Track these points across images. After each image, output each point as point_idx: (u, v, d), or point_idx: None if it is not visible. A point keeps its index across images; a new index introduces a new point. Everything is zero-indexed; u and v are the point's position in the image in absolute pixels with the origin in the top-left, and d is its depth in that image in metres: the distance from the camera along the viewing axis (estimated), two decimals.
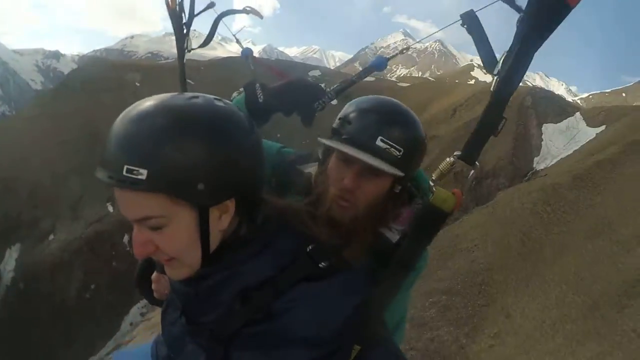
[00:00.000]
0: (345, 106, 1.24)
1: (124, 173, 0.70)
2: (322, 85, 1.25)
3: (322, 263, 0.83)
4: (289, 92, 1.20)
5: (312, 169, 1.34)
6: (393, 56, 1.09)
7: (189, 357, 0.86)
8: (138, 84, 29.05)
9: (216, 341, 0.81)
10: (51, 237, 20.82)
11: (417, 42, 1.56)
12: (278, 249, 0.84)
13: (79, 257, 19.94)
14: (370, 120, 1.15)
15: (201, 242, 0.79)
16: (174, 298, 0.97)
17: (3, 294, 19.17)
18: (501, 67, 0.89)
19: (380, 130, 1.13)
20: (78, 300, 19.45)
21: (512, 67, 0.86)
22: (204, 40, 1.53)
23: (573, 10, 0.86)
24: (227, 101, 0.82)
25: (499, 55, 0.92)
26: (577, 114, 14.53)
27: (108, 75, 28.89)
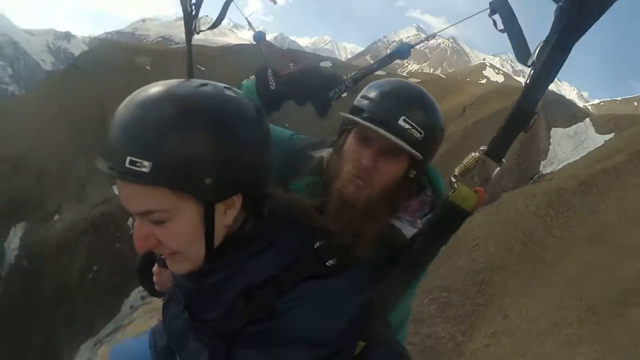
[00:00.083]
0: (367, 86, 1.21)
1: (127, 165, 0.67)
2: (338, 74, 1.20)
3: (330, 261, 0.82)
4: (302, 80, 1.17)
5: (324, 153, 1.32)
6: (417, 43, 1.05)
7: (192, 353, 0.85)
8: (148, 68, 29.02)
9: (219, 339, 0.80)
10: (56, 217, 20.94)
11: (442, 30, 1.43)
12: (283, 246, 0.82)
13: (83, 237, 20.06)
14: (394, 101, 1.13)
15: (205, 237, 0.76)
16: (177, 292, 0.95)
17: (7, 272, 19.30)
18: (536, 58, 0.83)
19: (403, 110, 1.12)
20: (80, 280, 19.57)
21: (549, 58, 0.80)
22: (214, 22, 1.49)
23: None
24: (237, 90, 0.79)
25: (532, 46, 0.86)
26: (587, 120, 14.44)
27: (118, 58, 28.89)
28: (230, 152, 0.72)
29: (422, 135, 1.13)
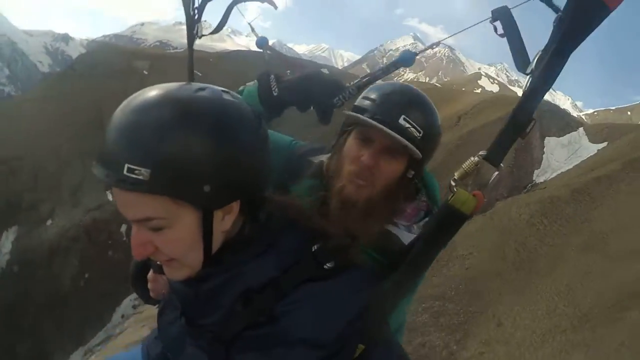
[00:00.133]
0: (368, 89, 1.24)
1: (125, 172, 0.66)
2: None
3: (328, 264, 0.81)
4: (305, 86, 1.14)
5: (324, 158, 1.33)
6: (421, 51, 1.05)
7: (189, 359, 0.85)
8: (146, 72, 29.04)
9: (218, 343, 0.79)
10: (49, 222, 20.79)
11: (445, 38, 1.39)
12: (281, 249, 0.82)
13: (75, 244, 19.92)
14: (395, 101, 1.16)
15: (204, 243, 0.76)
16: (173, 298, 0.94)
17: None
18: (535, 66, 0.86)
19: (404, 110, 1.14)
20: (72, 287, 19.38)
21: (547, 66, 0.83)
22: (216, 27, 1.49)
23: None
24: (236, 94, 0.78)
25: (531, 54, 0.90)
26: (580, 129, 14.59)
27: (116, 62, 28.91)
28: (229, 158, 0.71)
29: (421, 135, 1.16)
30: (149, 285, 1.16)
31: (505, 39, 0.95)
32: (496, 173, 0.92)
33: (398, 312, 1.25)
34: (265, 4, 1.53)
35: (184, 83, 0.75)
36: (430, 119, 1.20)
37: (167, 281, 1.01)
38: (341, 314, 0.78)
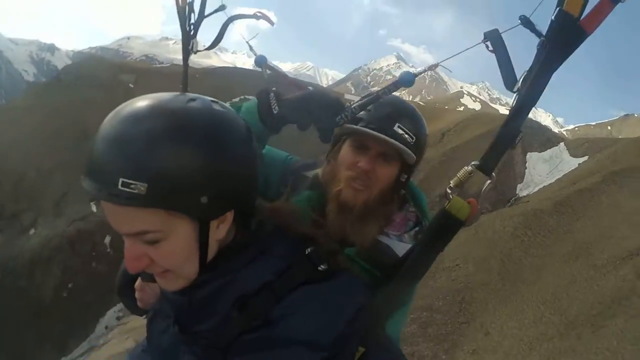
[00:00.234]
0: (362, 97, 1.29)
1: (119, 187, 0.64)
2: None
3: (321, 266, 0.82)
4: (306, 104, 1.13)
5: (319, 171, 1.38)
6: (420, 73, 1.10)
7: None
8: (132, 86, 28.86)
9: (213, 349, 0.78)
10: (32, 231, 20.29)
11: (445, 60, 1.23)
12: (274, 254, 0.82)
13: (58, 254, 19.44)
14: (388, 110, 1.24)
15: (199, 254, 0.75)
16: (164, 306, 0.92)
17: None
18: (521, 85, 0.93)
19: (398, 118, 1.23)
20: (54, 298, 18.88)
21: (532, 85, 0.90)
22: (212, 43, 1.48)
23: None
24: (224, 105, 0.78)
25: (519, 74, 0.97)
26: (562, 144, 14.96)
27: (102, 74, 28.65)
28: (225, 168, 0.71)
29: (413, 141, 1.25)
30: (137, 295, 1.14)
31: (494, 56, 1.02)
32: (488, 182, 0.97)
33: (395, 324, 1.24)
34: (261, 20, 1.52)
35: (173, 94, 0.74)
36: (420, 126, 1.29)
37: (157, 289, 1.00)
38: (339, 315, 0.77)
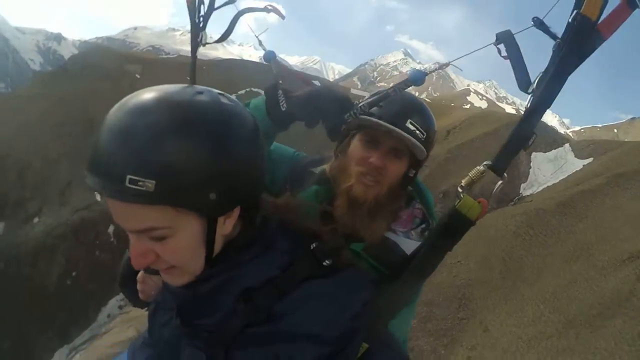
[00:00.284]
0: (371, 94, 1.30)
1: (127, 184, 0.62)
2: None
3: (326, 261, 0.81)
4: (315, 101, 1.13)
5: (327, 166, 1.38)
6: (432, 71, 1.10)
7: None
8: (138, 76, 28.89)
9: (216, 343, 0.77)
10: (36, 219, 20.41)
11: (455, 60, 1.28)
12: (280, 249, 0.82)
13: (62, 242, 19.53)
14: (400, 106, 1.24)
15: (206, 249, 0.75)
16: (166, 299, 0.91)
17: None
18: (536, 86, 0.93)
19: (410, 114, 1.24)
20: (58, 286, 18.98)
21: (547, 87, 0.89)
22: (221, 36, 1.46)
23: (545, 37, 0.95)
24: (231, 97, 0.76)
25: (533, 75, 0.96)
26: (567, 145, 14.89)
27: (109, 64, 28.65)
28: (234, 164, 0.70)
29: (424, 137, 1.25)
30: (139, 287, 1.13)
31: (506, 60, 1.02)
32: (500, 182, 0.96)
33: (402, 323, 1.25)
34: (272, 13, 1.51)
35: (180, 86, 0.72)
36: (431, 122, 1.30)
37: (159, 282, 1.00)
38: (344, 310, 0.77)
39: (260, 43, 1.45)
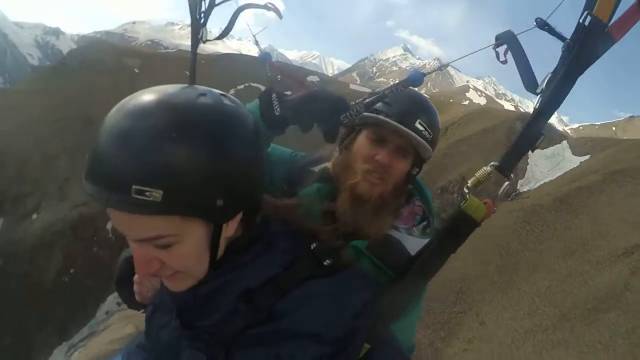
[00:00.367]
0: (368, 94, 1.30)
1: (133, 194, 0.60)
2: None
3: (327, 261, 0.81)
4: (309, 105, 1.10)
5: (327, 164, 1.38)
6: (430, 72, 1.09)
7: None
8: (137, 71, 28.81)
9: (217, 344, 0.76)
10: (35, 215, 20.37)
11: (455, 60, 1.20)
12: (280, 249, 0.82)
13: (61, 238, 19.49)
14: (409, 104, 1.24)
15: (210, 253, 0.74)
16: (164, 301, 0.90)
17: None
18: (545, 87, 0.91)
19: (419, 114, 1.24)
20: (56, 283, 18.94)
21: (557, 88, 0.88)
22: (221, 33, 1.44)
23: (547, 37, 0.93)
24: (233, 98, 0.74)
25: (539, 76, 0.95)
26: (564, 142, 14.95)
27: (107, 59, 28.53)
28: (239, 170, 0.69)
29: (431, 137, 1.26)
30: (135, 288, 1.10)
31: (504, 64, 1.01)
32: (506, 183, 0.95)
33: (406, 328, 1.24)
34: (271, 12, 1.44)
35: (182, 87, 0.70)
36: (436, 123, 1.30)
37: (157, 283, 0.98)
38: (345, 309, 0.77)
39: (256, 42, 1.43)
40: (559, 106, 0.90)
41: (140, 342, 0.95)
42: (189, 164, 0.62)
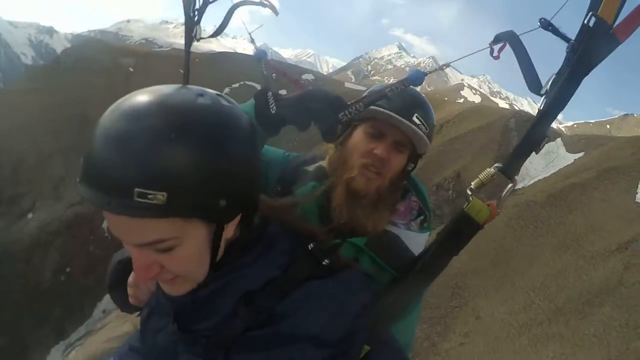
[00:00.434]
0: (374, 87, 1.29)
1: (135, 198, 0.58)
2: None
3: (325, 260, 0.80)
4: (306, 103, 1.08)
5: (322, 162, 1.38)
6: (431, 72, 1.08)
7: None
8: (131, 69, 28.71)
9: (216, 348, 0.74)
10: (30, 215, 20.28)
11: (456, 60, 1.13)
12: (279, 250, 0.81)
13: (57, 238, 19.42)
14: (408, 99, 1.26)
15: (211, 256, 0.73)
16: (160, 304, 0.88)
17: None
18: (550, 88, 0.90)
19: (416, 108, 1.25)
20: (52, 282, 18.86)
21: (561, 89, 0.87)
22: (216, 30, 1.41)
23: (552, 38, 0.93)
24: (229, 99, 0.74)
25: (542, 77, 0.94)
26: (559, 139, 15.03)
27: (102, 57, 28.39)
28: (241, 168, 0.68)
29: (427, 131, 1.28)
30: (130, 291, 1.06)
31: (497, 60, 1.00)
32: (510, 185, 0.93)
33: (406, 328, 1.24)
34: (267, 10, 1.39)
35: (178, 87, 0.69)
36: (431, 118, 1.32)
37: (152, 286, 0.96)
38: (345, 311, 0.76)
39: (252, 40, 1.40)
40: (563, 108, 0.89)
41: (132, 344, 0.92)
42: (191, 164, 0.60)
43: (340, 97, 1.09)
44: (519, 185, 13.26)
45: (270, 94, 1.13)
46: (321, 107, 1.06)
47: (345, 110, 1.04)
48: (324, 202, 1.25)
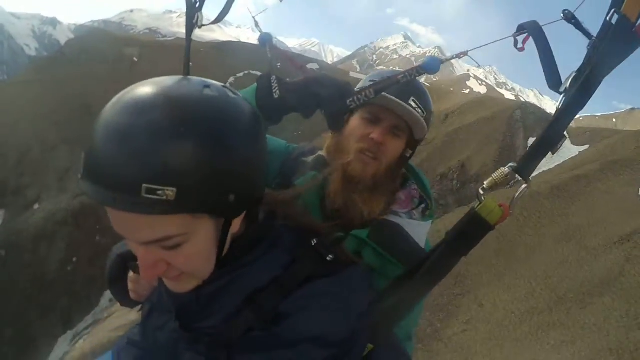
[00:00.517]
0: (372, 74, 1.33)
1: (143, 194, 0.56)
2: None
3: (329, 256, 0.79)
4: (312, 88, 1.04)
5: (321, 152, 1.38)
6: (448, 59, 1.04)
7: None
8: (136, 59, 28.68)
9: (218, 347, 0.73)
10: (36, 206, 20.39)
11: (471, 50, 1.12)
12: (283, 247, 0.79)
13: (63, 228, 19.58)
14: (403, 85, 1.18)
15: (217, 252, 0.71)
16: (162, 301, 0.86)
17: None
18: (569, 86, 0.86)
19: (412, 92, 1.24)
20: (59, 272, 19.03)
21: (582, 88, 0.82)
22: (217, 17, 1.38)
23: (572, 32, 0.89)
24: (234, 90, 0.72)
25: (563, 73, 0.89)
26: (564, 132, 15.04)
27: (106, 48, 28.37)
28: (249, 162, 0.67)
29: (424, 116, 1.28)
30: (130, 287, 1.03)
31: (521, 52, 0.97)
32: (524, 186, 0.89)
33: (410, 321, 1.23)
34: None
35: (183, 78, 0.67)
36: (429, 104, 1.32)
37: (155, 282, 0.92)
38: (349, 310, 0.75)
39: (256, 24, 1.35)
40: (583, 107, 0.84)
41: (131, 338, 0.89)
42: (201, 159, 0.58)
43: (349, 83, 1.06)
44: None
45: (274, 77, 1.08)
46: (329, 92, 1.02)
47: (353, 97, 1.00)
48: (325, 193, 1.23)
